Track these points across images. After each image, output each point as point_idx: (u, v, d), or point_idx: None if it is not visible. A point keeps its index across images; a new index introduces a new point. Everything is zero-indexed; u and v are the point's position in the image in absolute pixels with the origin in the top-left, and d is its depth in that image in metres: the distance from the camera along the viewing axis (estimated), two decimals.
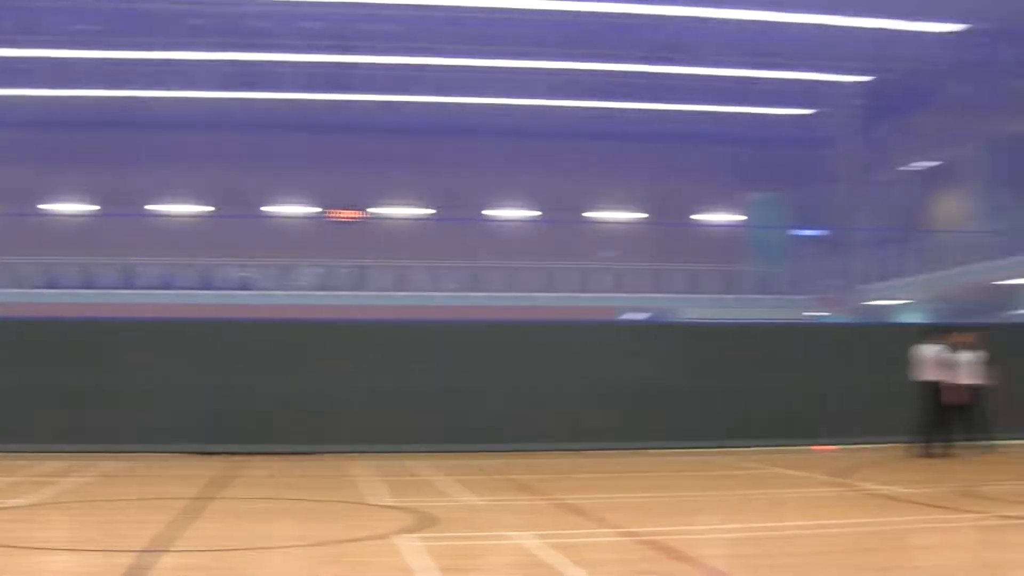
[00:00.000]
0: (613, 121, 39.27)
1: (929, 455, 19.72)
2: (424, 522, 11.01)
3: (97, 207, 42.00)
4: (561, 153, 39.47)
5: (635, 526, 10.75)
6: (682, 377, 23.23)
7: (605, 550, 9.61)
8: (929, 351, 19.98)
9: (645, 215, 43.21)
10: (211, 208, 42.56)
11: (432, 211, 42.63)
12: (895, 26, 30.62)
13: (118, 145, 39.84)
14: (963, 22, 30.73)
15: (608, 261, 42.29)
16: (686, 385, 23.18)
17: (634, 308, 39.79)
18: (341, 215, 43.08)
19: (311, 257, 42.06)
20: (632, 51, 33.08)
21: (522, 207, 43.01)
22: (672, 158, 39.08)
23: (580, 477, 17.56)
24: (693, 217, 43.60)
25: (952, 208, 41.36)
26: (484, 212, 42.76)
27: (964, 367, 20.08)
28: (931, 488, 14.99)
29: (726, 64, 33.84)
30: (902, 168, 37.28)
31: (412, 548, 9.30)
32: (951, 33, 31.18)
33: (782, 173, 38.42)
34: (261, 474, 17.03)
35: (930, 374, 19.86)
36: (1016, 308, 35.87)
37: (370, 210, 43.17)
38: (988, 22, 30.94)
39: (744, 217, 44.70)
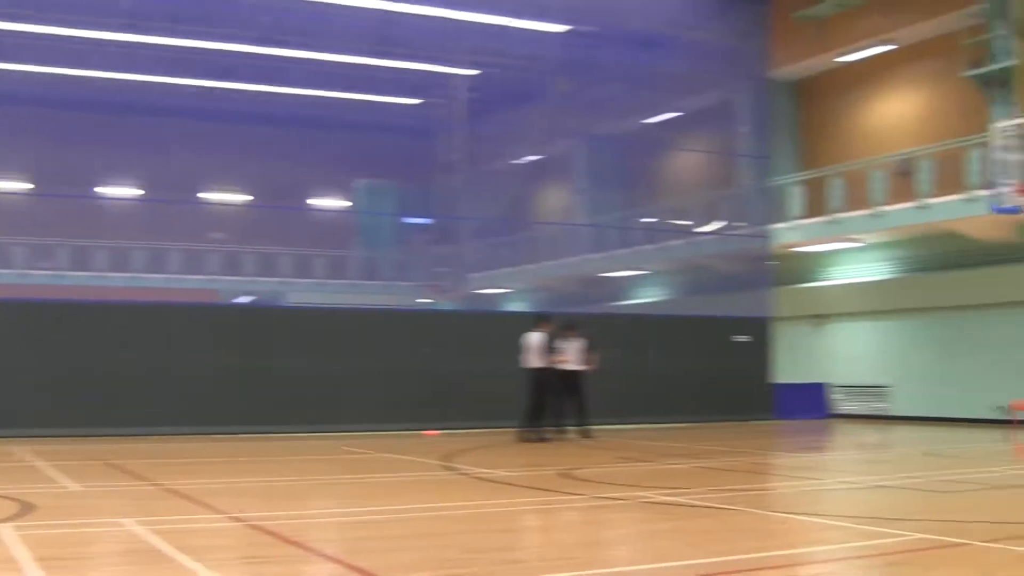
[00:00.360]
0: (223, 101, 38.47)
1: (534, 439, 20.51)
2: (21, 510, 10.48)
3: None
4: (169, 131, 38.27)
5: (246, 511, 10.64)
6: (299, 361, 23.38)
7: (214, 536, 9.44)
8: (535, 338, 20.77)
9: (253, 198, 42.63)
10: None
11: (31, 187, 40.44)
12: (505, 22, 31.42)
13: None
14: (568, 23, 31.88)
15: (216, 243, 41.49)
16: (306, 368, 23.36)
17: (242, 291, 39.34)
18: None
19: None
20: (245, 32, 32.53)
21: (129, 185, 41.46)
22: (282, 142, 38.65)
23: (191, 462, 17.29)
24: (302, 201, 43.35)
25: (556, 201, 43.07)
26: (92, 189, 40.92)
27: (566, 354, 21.02)
28: (534, 471, 15.61)
29: (339, 50, 33.80)
30: (508, 161, 38.43)
31: (7, 537, 8.76)
32: (557, 33, 32.29)
33: (391, 161, 38.75)
34: None
35: (536, 361, 20.66)
36: (615, 299, 37.74)
37: None
38: (591, 25, 32.26)
39: (353, 203, 44.93)
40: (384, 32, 32.10)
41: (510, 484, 13.57)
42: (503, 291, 42.61)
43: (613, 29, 31.95)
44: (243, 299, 38.78)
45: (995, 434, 24.05)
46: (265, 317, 25.78)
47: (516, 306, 41.46)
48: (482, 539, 9.13)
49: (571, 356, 21.12)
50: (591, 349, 21.38)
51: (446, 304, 38.92)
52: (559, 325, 21.36)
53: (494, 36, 32.03)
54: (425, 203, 40.59)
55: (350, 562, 7.91)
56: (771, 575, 7.51)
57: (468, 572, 7.55)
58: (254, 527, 9.65)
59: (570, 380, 21.06)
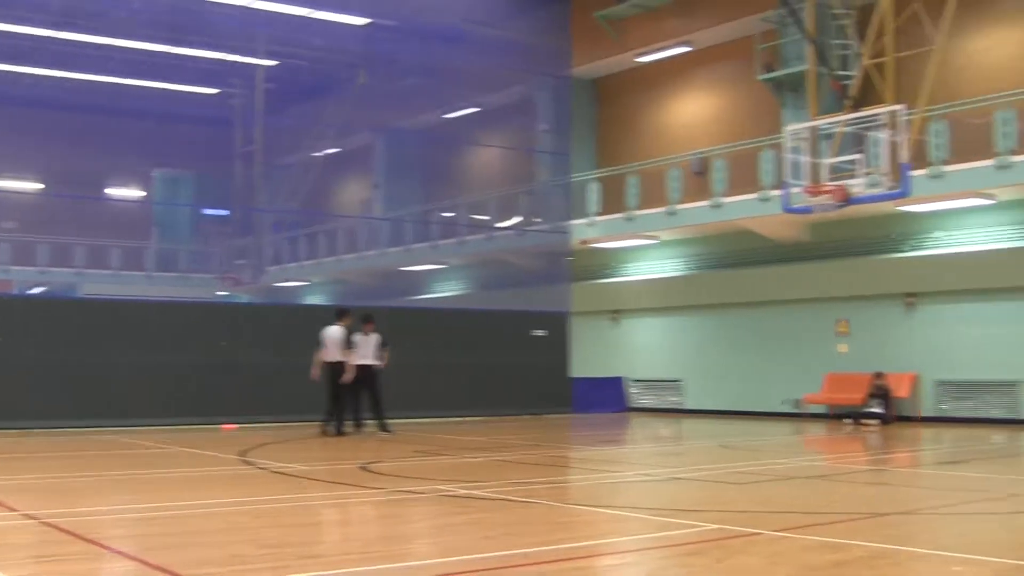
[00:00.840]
0: (14, 86, 37.15)
1: (334, 433, 20.36)
2: None
3: None
4: None
5: (39, 508, 10.31)
6: (95, 354, 22.81)
7: (5, 534, 9.09)
8: (334, 332, 20.61)
9: (45, 186, 41.28)
10: None
11: None
12: (305, 13, 31.08)
13: None
14: (369, 16, 31.70)
15: (6, 232, 40.06)
16: (102, 362, 22.83)
17: (33, 282, 38.10)
18: None
19: None
20: (36, 15, 31.44)
21: None
22: (77, 129, 37.50)
23: None
24: (98, 190, 42.17)
25: (355, 194, 42.82)
26: None
27: (364, 348, 20.91)
28: (332, 465, 15.48)
29: (135, 37, 32.95)
30: (308, 153, 38.05)
31: None
32: (358, 26, 32.08)
33: (189, 151, 38.01)
34: None
35: (335, 355, 20.51)
36: (415, 293, 37.70)
37: None
38: (391, 19, 32.15)
39: (149, 193, 43.95)
40: (182, 20, 31.41)
41: (309, 478, 13.41)
42: (302, 284, 42.20)
43: (413, 23, 31.91)
44: (35, 290, 37.53)
45: (786, 427, 24.79)
46: (59, 308, 24.95)
47: (315, 299, 41.12)
48: (281, 534, 8.97)
49: (367, 351, 21.01)
50: (385, 344, 21.31)
51: (244, 296, 38.36)
52: (357, 319, 21.25)
53: (294, 27, 31.65)
54: (223, 194, 39.97)
55: (147, 559, 7.69)
56: (569, 567, 7.55)
57: (267, 567, 7.41)
58: (48, 525, 9.32)
59: (366, 374, 20.95)
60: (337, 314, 21.16)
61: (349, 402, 20.92)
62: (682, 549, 8.24)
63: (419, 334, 26.64)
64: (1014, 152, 22.95)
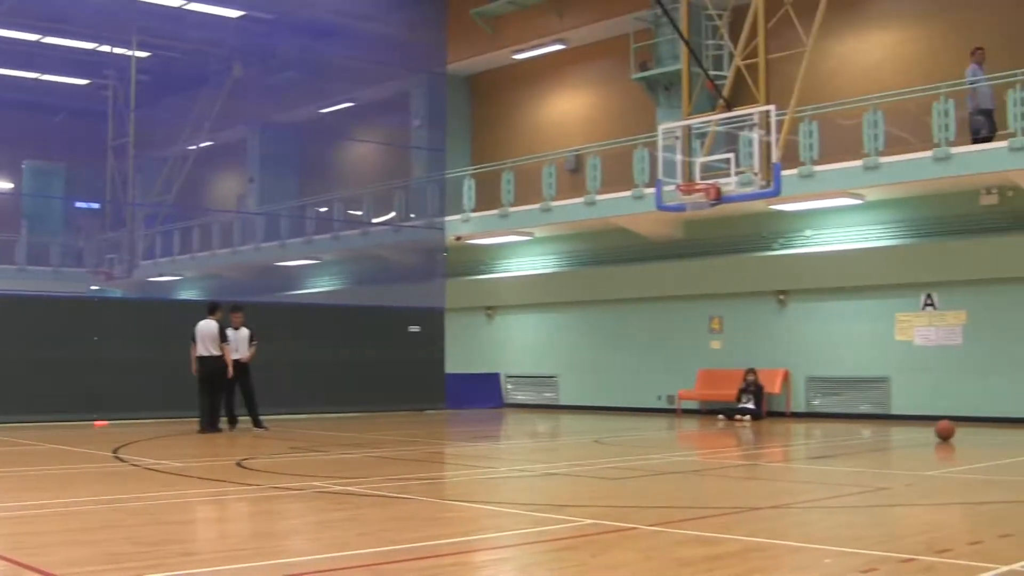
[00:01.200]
0: None
1: (208, 430, 20.13)
2: None
3: None
4: None
5: None
6: None
7: None
8: (207, 327, 20.38)
9: None
10: None
11: None
12: (179, 4, 30.63)
13: None
14: (244, 8, 31.37)
15: None
16: None
17: None
18: None
19: None
20: None
21: None
22: None
23: None
24: None
25: (230, 189, 42.30)
26: None
27: (238, 344, 20.72)
28: (206, 462, 15.31)
29: (5, 25, 32.16)
30: (182, 146, 37.47)
31: None
32: (232, 18, 31.72)
33: (60, 143, 37.20)
34: None
35: (209, 349, 20.28)
36: (290, 289, 37.37)
37: None
38: (266, 12, 31.86)
39: (18, 185, 42.93)
40: (54, 8, 30.75)
41: (183, 475, 13.23)
42: (175, 279, 41.58)
43: (289, 17, 31.65)
44: None
45: (660, 422, 25.07)
46: None
47: (189, 294, 40.55)
48: (155, 531, 8.85)
49: (239, 345, 20.82)
50: (254, 339, 21.13)
51: (117, 291, 37.66)
52: (232, 314, 21.03)
53: (168, 18, 31.16)
54: (95, 187, 39.13)
55: (18, 559, 7.50)
56: (445, 562, 7.55)
57: (143, 565, 7.29)
58: None
59: (238, 369, 20.74)
60: (209, 309, 20.91)
61: (225, 398, 20.70)
62: (557, 544, 8.29)
63: (294, 330, 26.48)
64: (882, 153, 23.46)
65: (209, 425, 20.30)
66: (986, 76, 22.79)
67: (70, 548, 8.09)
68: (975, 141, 22.52)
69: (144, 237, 38.80)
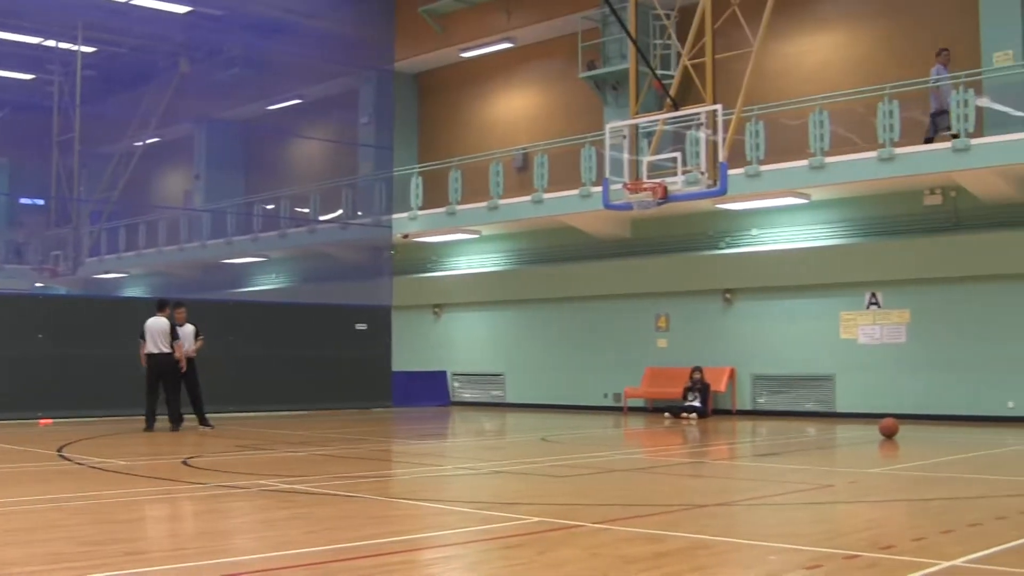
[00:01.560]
0: None
1: (151, 428, 20.00)
2: None
3: None
4: None
5: None
6: None
7: None
8: (157, 324, 20.24)
9: None
10: None
11: None
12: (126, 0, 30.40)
13: None
14: (190, 4, 31.16)
15: None
16: None
17: None
18: None
19: None
20: None
21: None
22: None
23: None
24: None
25: (176, 185, 41.97)
26: None
27: (184, 341, 20.59)
28: (152, 460, 15.23)
29: None
30: (127, 142, 37.15)
31: None
32: (179, 14, 31.50)
33: (3, 138, 36.78)
34: None
35: (160, 346, 20.15)
36: (237, 286, 37.14)
37: None
38: (213, 8, 31.66)
39: None
40: None
41: (128, 474, 13.13)
42: (121, 276, 41.23)
43: (236, 13, 31.46)
44: None
45: (607, 420, 25.13)
46: None
47: (135, 291, 40.21)
48: (99, 531, 8.78)
49: (187, 344, 20.70)
50: (199, 334, 21.02)
51: (62, 288, 37.29)
52: (179, 312, 20.88)
53: (114, 13, 30.91)
54: (40, 183, 38.71)
55: None
56: (391, 561, 7.54)
57: (87, 565, 7.23)
58: None
59: (186, 368, 20.62)
60: (159, 305, 20.76)
61: (171, 395, 20.56)
62: (503, 542, 8.30)
63: (241, 328, 26.37)
64: (827, 153, 23.65)
65: (156, 422, 20.18)
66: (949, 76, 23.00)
67: (12, 548, 8.01)
68: (928, 140, 22.70)
69: (90, 234, 38.44)
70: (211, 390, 21.32)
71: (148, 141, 36.93)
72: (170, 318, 20.44)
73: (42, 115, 35.62)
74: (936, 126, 22.89)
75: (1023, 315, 23.08)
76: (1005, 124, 22.26)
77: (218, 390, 22.17)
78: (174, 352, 20.24)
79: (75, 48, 32.95)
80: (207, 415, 20.94)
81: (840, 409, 25.16)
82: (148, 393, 20.31)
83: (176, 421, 20.47)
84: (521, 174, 30.53)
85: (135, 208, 39.36)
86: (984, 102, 22.41)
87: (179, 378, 20.49)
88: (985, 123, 22.58)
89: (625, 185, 19.50)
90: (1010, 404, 23.01)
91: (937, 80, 22.81)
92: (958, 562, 7.22)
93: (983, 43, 23.66)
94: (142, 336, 20.23)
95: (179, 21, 31.57)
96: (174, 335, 20.28)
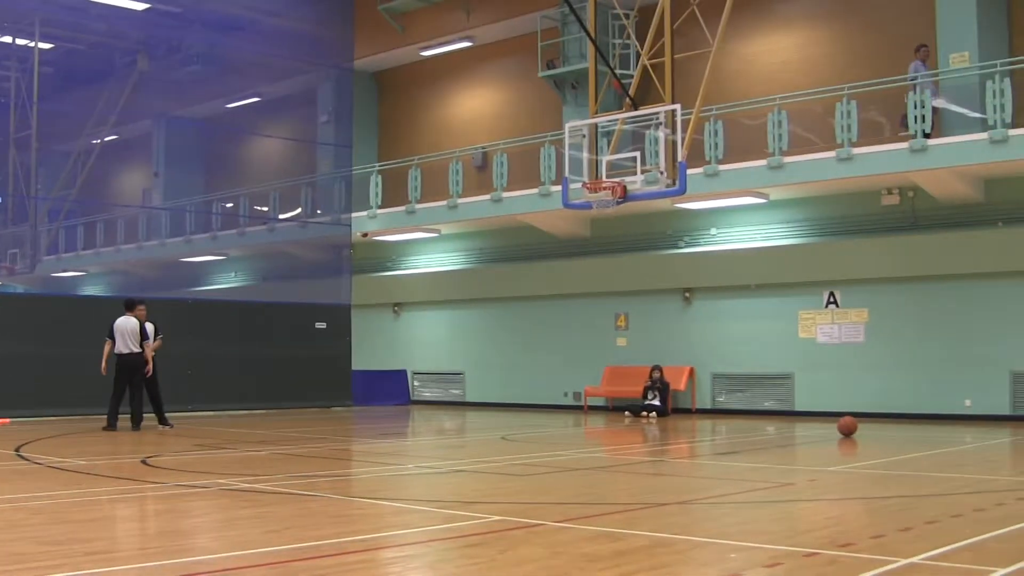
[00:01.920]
0: None
1: (112, 427, 19.91)
2: None
3: None
4: None
5: None
6: None
7: None
8: (128, 323, 20.16)
9: None
10: None
11: None
12: None
13: None
14: (148, 1, 30.98)
15: None
16: None
17: None
18: None
19: None
20: None
21: None
22: None
23: None
24: None
25: (134, 183, 41.70)
26: None
27: (146, 340, 20.47)
28: (111, 460, 15.14)
29: None
30: (85, 139, 36.92)
31: None
32: (137, 10, 31.30)
33: None
34: None
35: (128, 346, 20.06)
36: (196, 285, 36.94)
37: None
38: (172, 4, 31.49)
39: None
40: None
41: (87, 473, 13.05)
42: (79, 274, 40.95)
43: (195, 10, 31.31)
44: None
45: (567, 419, 25.18)
46: None
47: (93, 290, 39.94)
48: (58, 531, 8.73)
49: (148, 342, 20.59)
50: (159, 332, 20.91)
51: (19, 287, 36.99)
52: (140, 310, 20.73)
53: (71, 9, 30.71)
54: None
55: None
56: (351, 560, 7.54)
57: (48, 565, 7.18)
58: None
59: (149, 367, 20.51)
60: (127, 305, 20.64)
61: (134, 395, 20.44)
62: (465, 541, 8.31)
63: (200, 326, 26.25)
64: (786, 153, 23.77)
65: (111, 423, 20.06)
66: (929, 73, 23.13)
67: None
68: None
69: (47, 232, 38.18)
70: (170, 389, 21.22)
71: (106, 138, 36.69)
72: (142, 318, 20.36)
73: None
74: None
75: (980, 314, 23.31)
76: (962, 125, 22.45)
77: (177, 389, 22.08)
78: (144, 352, 20.14)
79: (32, 44, 32.71)
80: (166, 414, 20.83)
81: (799, 408, 25.31)
82: (115, 392, 20.18)
83: (138, 421, 20.35)
84: (481, 173, 30.54)
85: (93, 206, 39.11)
86: (941, 103, 22.60)
87: (144, 378, 20.37)
88: (942, 124, 22.77)
89: (584, 184, 19.55)
90: (967, 403, 23.23)
91: (915, 77, 22.92)
92: (916, 559, 7.28)
93: (940, 45, 23.84)
94: (110, 335, 20.10)
95: (137, 18, 31.37)
96: (143, 335, 20.18)
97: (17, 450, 15.92)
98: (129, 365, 20.08)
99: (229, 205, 36.75)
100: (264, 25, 31.94)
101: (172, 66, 33.86)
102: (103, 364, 20.18)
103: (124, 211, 38.93)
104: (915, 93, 22.41)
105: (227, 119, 37.90)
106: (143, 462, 14.26)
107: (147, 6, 31.15)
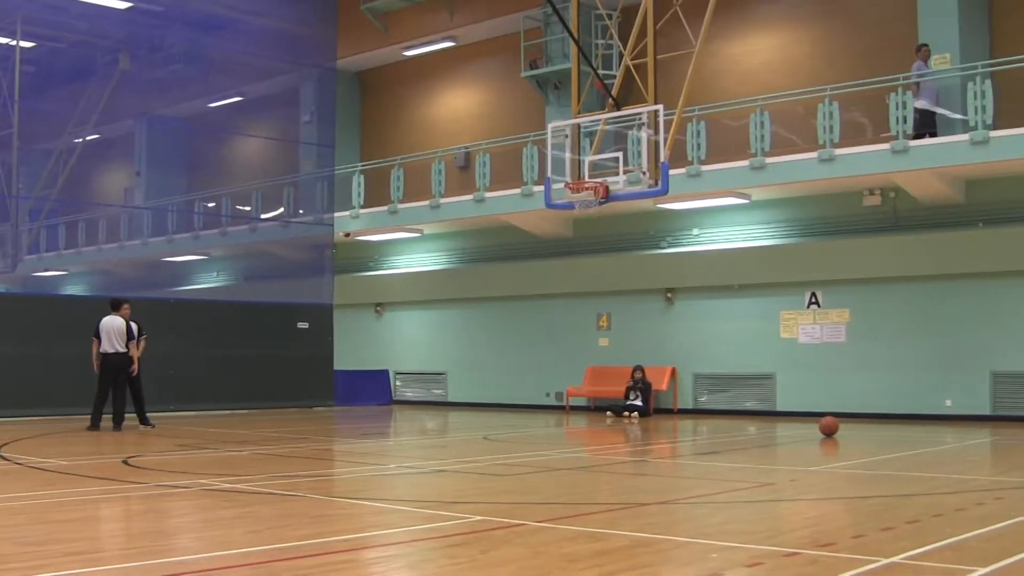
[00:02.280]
0: None
1: (100, 427, 19.87)
2: None
3: None
4: None
5: None
6: None
7: None
8: (114, 323, 20.12)
9: None
10: None
11: None
12: None
13: None
14: (134, 0, 30.91)
15: None
16: None
17: None
18: None
19: None
20: None
21: None
22: None
23: None
24: None
25: (116, 183, 41.60)
26: None
27: (128, 339, 20.42)
28: (93, 460, 15.09)
29: None
30: (67, 139, 36.81)
31: None
32: (119, 9, 31.20)
33: None
34: None
35: (115, 346, 20.02)
36: (179, 284, 36.88)
37: None
38: (154, 3, 31.41)
39: None
40: None
41: (68, 473, 13.01)
42: (61, 274, 40.83)
43: (177, 9, 31.23)
44: None
45: (549, 419, 25.19)
46: None
47: (76, 290, 39.83)
48: (40, 531, 8.71)
49: (130, 342, 20.53)
50: (143, 332, 20.86)
51: (0, 286, 36.87)
52: (124, 310, 20.68)
53: (53, 8, 30.61)
54: None
55: None
56: (334, 560, 7.54)
57: (29, 566, 7.17)
58: None
59: (132, 367, 20.46)
60: (113, 304, 20.58)
61: (118, 395, 20.39)
62: (446, 541, 8.31)
63: (182, 326, 26.17)
64: (768, 154, 23.82)
65: (95, 423, 20.02)
66: (927, 72, 23.17)
67: None
68: (917, 137, 22.76)
69: (28, 231, 38.06)
70: (152, 389, 21.18)
71: (88, 138, 36.60)
72: (118, 319, 20.31)
73: None
74: (923, 122, 22.89)
75: (961, 315, 23.38)
76: (943, 126, 22.53)
77: (159, 389, 22.04)
78: (129, 351, 20.11)
79: (13, 43, 32.60)
80: (148, 414, 20.77)
81: (780, 408, 25.36)
82: (100, 392, 20.14)
83: (119, 421, 20.30)
84: (463, 173, 30.53)
85: (75, 205, 39.01)
86: (923, 104, 22.66)
87: (128, 378, 20.32)
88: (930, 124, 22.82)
89: (567, 184, 19.55)
90: (948, 403, 23.31)
91: (920, 76, 22.95)
92: (897, 559, 7.31)
93: None
94: (97, 335, 20.04)
95: (119, 17, 31.28)
96: (130, 335, 20.14)
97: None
98: (115, 365, 20.02)
99: (211, 205, 36.69)
100: (247, 24, 31.88)
101: (154, 65, 33.77)
102: (95, 364, 20.09)
103: (106, 210, 38.84)
104: (896, 95, 22.46)
105: (209, 118, 37.85)
106: (125, 462, 14.22)
107: (129, 5, 31.07)
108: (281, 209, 34.22)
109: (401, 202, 30.43)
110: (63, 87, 35.62)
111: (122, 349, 20.03)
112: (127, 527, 9.53)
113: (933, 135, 22.45)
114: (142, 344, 20.75)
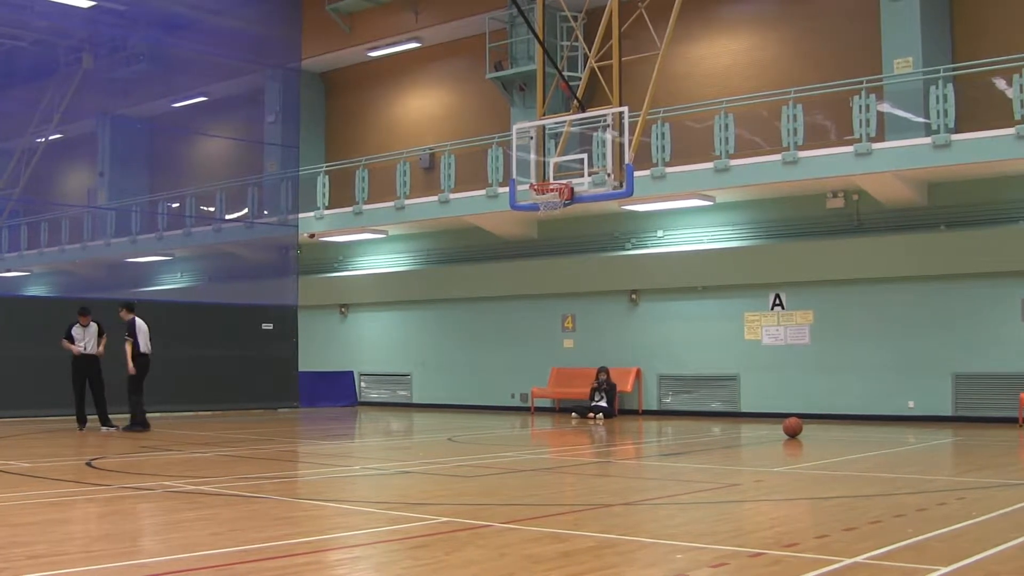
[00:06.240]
0: None
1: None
2: None
3: None
4: None
5: None
6: None
7: None
8: (141, 324, 20.14)
9: None
10: None
11: None
12: None
13: None
14: None
15: None
16: None
17: None
18: None
19: None
20: None
21: None
22: None
23: None
24: None
25: (78, 182, 41.34)
26: None
27: (88, 340, 20.35)
28: (55, 462, 15.00)
29: None
30: (28, 138, 36.58)
31: None
32: (81, 8, 31.03)
33: None
34: None
35: (89, 348, 20.00)
36: (142, 285, 36.67)
37: None
38: (116, 2, 31.25)
39: None
40: None
41: (30, 476, 12.93)
42: (23, 274, 40.55)
43: (141, 8, 31.09)
44: None
45: (514, 420, 25.20)
46: None
47: (37, 290, 39.56)
48: (3, 534, 8.65)
49: (89, 342, 20.46)
50: (102, 334, 20.77)
51: None
52: (129, 308, 20.70)
53: (14, 6, 30.39)
54: None
55: None
56: (298, 562, 7.53)
57: None
58: None
59: (91, 366, 20.38)
60: (129, 307, 20.77)
61: (97, 393, 20.35)
62: (411, 542, 8.31)
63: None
64: (732, 156, 23.91)
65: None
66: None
67: None
68: None
69: None
70: (115, 390, 21.02)
71: (50, 137, 36.39)
72: (81, 320, 20.30)
73: None
74: None
75: (923, 317, 23.54)
76: (905, 129, 22.66)
77: (122, 390, 21.87)
78: (99, 354, 20.17)
79: None
80: (110, 416, 20.66)
81: (745, 409, 25.46)
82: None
83: (82, 421, 20.24)
84: (428, 174, 30.50)
85: (37, 205, 38.75)
86: (885, 107, 22.81)
87: (93, 379, 20.28)
88: (886, 128, 22.98)
89: (532, 186, 19.57)
90: (910, 404, 23.46)
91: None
92: (860, 559, 7.35)
93: (884, 49, 24.05)
94: (131, 335, 20.14)
95: (81, 15, 31.09)
96: (78, 337, 20.11)
97: None
98: (87, 366, 20.06)
99: (175, 205, 36.50)
100: (210, 24, 31.75)
101: (117, 64, 33.60)
102: (130, 365, 20.08)
103: (69, 211, 38.60)
104: (859, 98, 22.59)
105: (173, 118, 37.69)
106: (87, 464, 14.15)
107: (91, 3, 30.89)
108: (245, 210, 34.08)
109: (366, 203, 30.38)
110: (25, 86, 35.36)
111: (93, 352, 20.07)
112: (89, 529, 9.47)
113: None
114: (102, 344, 20.67)
